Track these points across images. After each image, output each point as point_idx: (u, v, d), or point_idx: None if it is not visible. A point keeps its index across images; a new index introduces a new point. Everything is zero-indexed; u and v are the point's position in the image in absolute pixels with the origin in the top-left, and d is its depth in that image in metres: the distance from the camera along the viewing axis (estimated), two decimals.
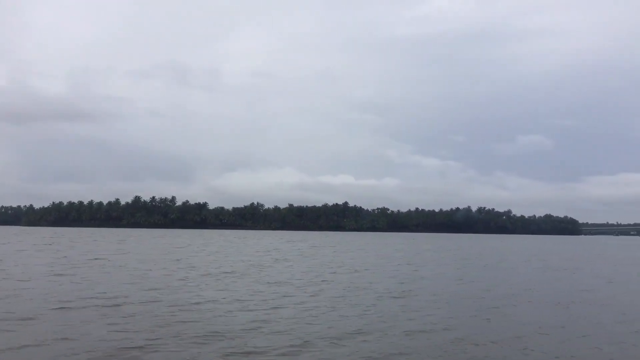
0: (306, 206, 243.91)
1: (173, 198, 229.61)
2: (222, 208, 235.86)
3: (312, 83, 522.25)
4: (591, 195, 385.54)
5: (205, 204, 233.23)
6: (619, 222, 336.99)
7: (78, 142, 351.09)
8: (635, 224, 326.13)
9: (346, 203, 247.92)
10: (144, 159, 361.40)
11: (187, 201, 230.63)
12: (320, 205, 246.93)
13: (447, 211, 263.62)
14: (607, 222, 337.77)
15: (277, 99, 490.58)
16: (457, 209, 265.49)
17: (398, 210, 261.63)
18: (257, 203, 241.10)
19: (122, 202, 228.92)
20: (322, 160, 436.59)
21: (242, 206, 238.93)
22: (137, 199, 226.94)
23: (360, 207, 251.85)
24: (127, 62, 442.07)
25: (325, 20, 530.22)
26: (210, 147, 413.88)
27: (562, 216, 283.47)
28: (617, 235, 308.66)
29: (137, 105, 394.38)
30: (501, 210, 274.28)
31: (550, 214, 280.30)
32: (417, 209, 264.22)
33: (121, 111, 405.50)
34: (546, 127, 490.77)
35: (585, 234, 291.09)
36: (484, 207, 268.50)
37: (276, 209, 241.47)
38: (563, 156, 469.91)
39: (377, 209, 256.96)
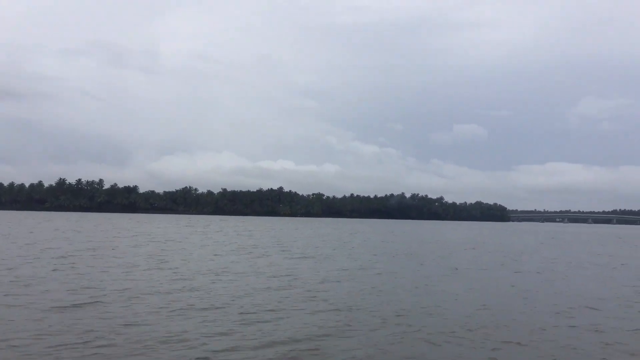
0: (240, 191, 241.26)
1: (100, 181, 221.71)
2: (153, 192, 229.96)
3: (252, 67, 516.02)
4: (521, 183, 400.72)
5: (135, 188, 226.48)
6: (545, 210, 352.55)
7: (4, 121, 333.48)
8: (560, 212, 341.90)
9: (281, 188, 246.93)
10: (77, 141, 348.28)
11: (116, 184, 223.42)
12: (254, 190, 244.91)
13: (381, 197, 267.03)
14: (535, 210, 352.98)
15: (217, 83, 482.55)
16: (392, 195, 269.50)
17: (333, 196, 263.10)
18: (190, 187, 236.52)
19: (47, 185, 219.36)
20: (262, 146, 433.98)
21: (174, 190, 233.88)
22: (61, 181, 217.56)
23: (295, 192, 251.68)
24: (59, 40, 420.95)
25: (267, 5, 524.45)
26: (147, 130, 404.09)
27: (492, 203, 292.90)
28: (542, 222, 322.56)
29: (68, 85, 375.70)
30: (434, 197, 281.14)
31: (480, 201, 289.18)
32: (352, 194, 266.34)
33: (51, 91, 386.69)
34: (481, 117, 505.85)
35: (513, 221, 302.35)
36: (417, 194, 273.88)
37: (209, 193, 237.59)
38: (496, 145, 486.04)
39: (313, 194, 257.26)
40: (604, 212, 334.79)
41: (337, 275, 20.86)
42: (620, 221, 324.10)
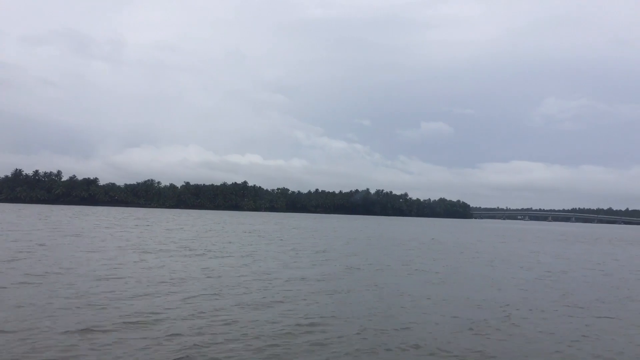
0: (203, 185, 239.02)
1: (59, 172, 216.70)
2: (113, 184, 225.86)
3: (221, 60, 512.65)
4: (485, 181, 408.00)
5: (95, 180, 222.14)
6: (508, 207, 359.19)
7: None
8: (522, 209, 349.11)
9: (245, 182, 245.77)
10: (38, 131, 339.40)
11: (74, 176, 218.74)
12: (218, 184, 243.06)
13: (346, 193, 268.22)
14: (498, 207, 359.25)
15: (184, 75, 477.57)
16: (356, 191, 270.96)
17: (298, 191, 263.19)
18: (152, 180, 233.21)
19: (2, 175, 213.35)
20: (229, 140, 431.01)
21: (135, 183, 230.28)
22: (17, 172, 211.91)
23: (260, 187, 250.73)
24: (21, 27, 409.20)
25: None
26: (111, 121, 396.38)
27: (455, 200, 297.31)
28: (504, 219, 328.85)
29: (30, 73, 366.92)
30: (400, 193, 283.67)
31: (444, 198, 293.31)
32: (316, 190, 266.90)
33: (11, 78, 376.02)
34: (448, 115, 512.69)
35: (475, 218, 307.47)
36: (382, 190, 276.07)
37: (172, 186, 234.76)
38: (462, 143, 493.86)
39: (278, 189, 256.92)
40: (563, 210, 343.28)
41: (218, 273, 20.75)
42: (579, 219, 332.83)
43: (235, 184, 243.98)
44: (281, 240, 38.77)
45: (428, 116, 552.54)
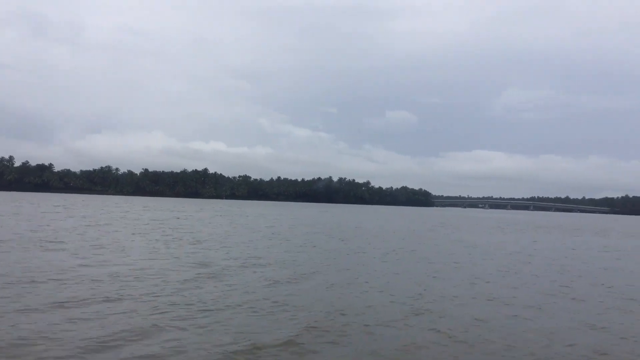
0: (162, 171, 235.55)
1: (11, 158, 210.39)
2: (69, 170, 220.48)
3: (186, 45, 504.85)
4: (448, 169, 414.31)
5: (50, 166, 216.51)
6: (469, 196, 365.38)
7: None
8: (483, 198, 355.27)
9: (206, 169, 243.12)
10: None
11: (27, 162, 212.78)
12: (178, 171, 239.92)
13: (308, 181, 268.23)
14: (460, 196, 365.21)
15: (148, 60, 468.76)
16: (319, 179, 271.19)
17: (260, 179, 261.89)
18: (109, 166, 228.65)
19: None
20: (193, 126, 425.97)
21: (92, 169, 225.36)
22: None
23: (221, 174, 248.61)
24: None
25: None
26: (71, 106, 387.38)
27: (417, 188, 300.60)
28: (465, 207, 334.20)
29: None
30: (364, 181, 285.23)
31: (406, 186, 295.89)
32: (278, 177, 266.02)
33: None
34: (412, 104, 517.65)
35: (437, 206, 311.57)
36: (345, 178, 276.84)
37: (130, 173, 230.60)
38: (426, 132, 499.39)
39: (239, 176, 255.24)
40: (522, 199, 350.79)
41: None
42: (537, 208, 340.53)
43: (195, 171, 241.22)
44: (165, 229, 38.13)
45: (393, 105, 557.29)
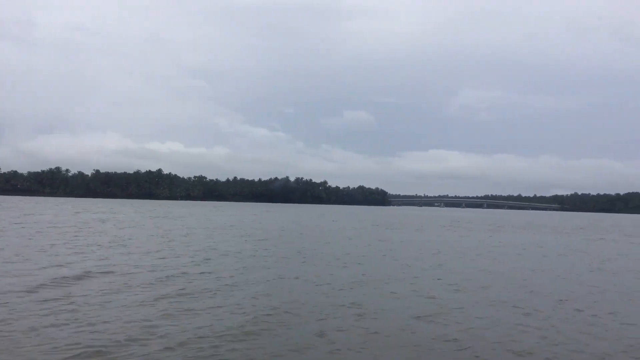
0: (115, 172, 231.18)
1: None
2: (16, 172, 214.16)
3: (140, 44, 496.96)
4: (405, 169, 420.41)
5: None
6: (425, 194, 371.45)
7: None
8: (439, 196, 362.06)
9: (160, 170, 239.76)
10: None
11: None
12: (131, 172, 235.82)
13: (265, 181, 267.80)
14: (416, 194, 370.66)
15: (101, 58, 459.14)
16: (276, 178, 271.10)
17: (216, 179, 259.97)
18: (59, 168, 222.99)
19: None
20: (149, 126, 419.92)
21: (40, 170, 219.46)
22: None
23: (175, 174, 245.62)
24: None
25: None
26: (21, 106, 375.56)
27: (374, 188, 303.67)
28: (421, 206, 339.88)
29: None
30: (321, 181, 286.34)
31: (363, 186, 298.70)
32: (235, 178, 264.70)
33: None
34: (369, 104, 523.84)
35: (393, 205, 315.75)
36: (302, 178, 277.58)
37: (80, 174, 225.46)
38: (383, 132, 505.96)
39: (195, 177, 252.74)
40: (477, 197, 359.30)
41: None
42: (491, 205, 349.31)
43: (149, 172, 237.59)
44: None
45: (351, 105, 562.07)
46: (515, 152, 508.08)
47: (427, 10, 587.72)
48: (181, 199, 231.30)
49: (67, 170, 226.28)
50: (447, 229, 54.58)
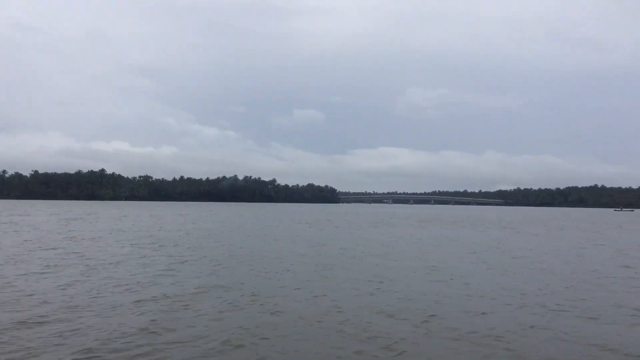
0: (54, 173, 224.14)
1: None
2: None
3: (82, 42, 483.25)
4: (355, 166, 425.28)
5: None
6: (375, 191, 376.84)
7: None
8: (388, 193, 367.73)
9: (103, 170, 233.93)
10: None
11: None
12: (72, 172, 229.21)
13: (213, 180, 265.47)
14: (366, 192, 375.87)
15: (42, 57, 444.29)
16: (224, 177, 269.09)
17: (162, 179, 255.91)
18: None
19: None
20: (94, 126, 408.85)
21: None
22: None
23: (119, 174, 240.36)
24: None
25: None
26: None
27: (323, 185, 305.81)
28: (370, 203, 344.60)
29: None
30: (271, 179, 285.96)
31: (312, 184, 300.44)
32: (181, 177, 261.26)
33: None
34: (320, 103, 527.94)
35: (343, 202, 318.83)
36: (250, 176, 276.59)
37: (17, 175, 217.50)
38: (333, 130, 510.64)
39: (140, 176, 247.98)
40: (424, 194, 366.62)
41: None
42: (438, 202, 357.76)
43: (91, 172, 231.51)
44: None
45: (301, 104, 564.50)
46: (461, 149, 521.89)
47: (375, 10, 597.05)
48: (126, 200, 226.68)
49: (4, 172, 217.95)
50: (376, 225, 55.70)
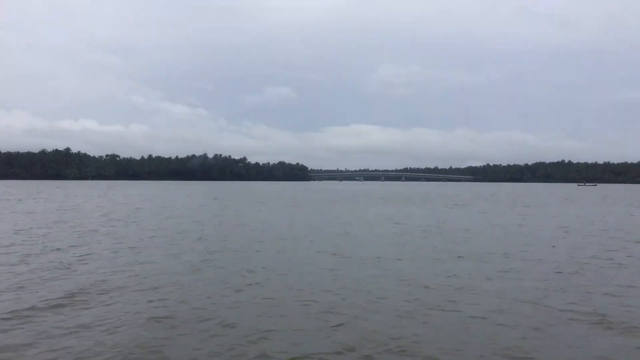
0: (17, 152, 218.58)
1: None
2: None
3: (45, 16, 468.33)
4: (327, 144, 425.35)
5: None
6: (347, 169, 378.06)
7: None
8: (359, 170, 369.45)
9: (68, 149, 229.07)
10: None
11: None
12: (37, 151, 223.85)
13: (182, 158, 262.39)
14: (337, 169, 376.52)
15: (2, 32, 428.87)
16: (193, 156, 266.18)
17: (130, 157, 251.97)
18: None
19: None
20: (60, 104, 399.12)
21: None
22: None
23: (85, 153, 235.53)
24: None
25: None
26: None
27: (295, 163, 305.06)
28: (341, 180, 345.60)
29: None
30: (243, 157, 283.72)
31: (283, 161, 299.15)
32: (150, 156, 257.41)
33: None
34: (292, 80, 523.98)
35: (314, 180, 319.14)
36: (220, 155, 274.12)
37: None
38: (305, 108, 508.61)
39: (107, 155, 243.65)
40: (395, 170, 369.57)
41: None
42: (409, 178, 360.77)
43: (56, 151, 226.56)
44: None
45: (272, 81, 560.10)
46: (431, 126, 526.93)
47: None
48: (92, 179, 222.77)
49: None
50: (332, 203, 55.58)
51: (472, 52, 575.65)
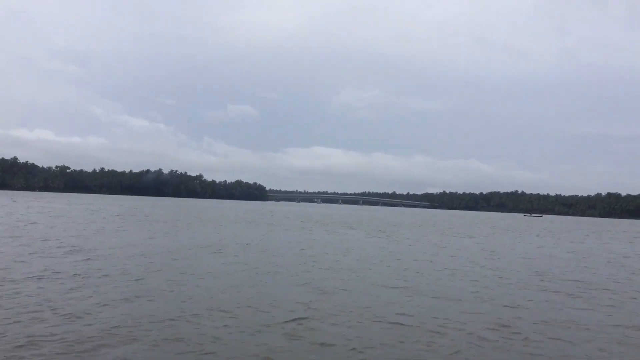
0: None
1: None
2: None
3: (3, 22, 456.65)
4: (288, 164, 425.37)
5: None
6: (306, 190, 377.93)
7: None
8: (319, 192, 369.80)
9: (15, 158, 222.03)
10: None
11: None
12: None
13: (136, 173, 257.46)
14: (297, 190, 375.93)
15: None
16: (148, 170, 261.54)
17: (81, 170, 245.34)
18: None
19: None
20: (14, 112, 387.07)
21: None
22: None
23: (33, 163, 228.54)
24: None
25: None
26: None
27: (252, 183, 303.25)
28: (299, 202, 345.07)
29: None
30: (195, 174, 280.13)
31: (240, 180, 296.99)
32: (102, 169, 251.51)
33: None
34: (254, 98, 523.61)
35: (272, 200, 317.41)
36: (176, 171, 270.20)
37: None
38: (267, 127, 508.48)
39: (56, 167, 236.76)
40: (354, 194, 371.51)
41: None
42: (366, 202, 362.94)
43: (2, 160, 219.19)
44: None
45: (234, 98, 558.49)
46: (391, 152, 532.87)
47: (311, 5, 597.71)
48: (40, 190, 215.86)
49: None
50: (265, 225, 54.56)
51: (429, 79, 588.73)
